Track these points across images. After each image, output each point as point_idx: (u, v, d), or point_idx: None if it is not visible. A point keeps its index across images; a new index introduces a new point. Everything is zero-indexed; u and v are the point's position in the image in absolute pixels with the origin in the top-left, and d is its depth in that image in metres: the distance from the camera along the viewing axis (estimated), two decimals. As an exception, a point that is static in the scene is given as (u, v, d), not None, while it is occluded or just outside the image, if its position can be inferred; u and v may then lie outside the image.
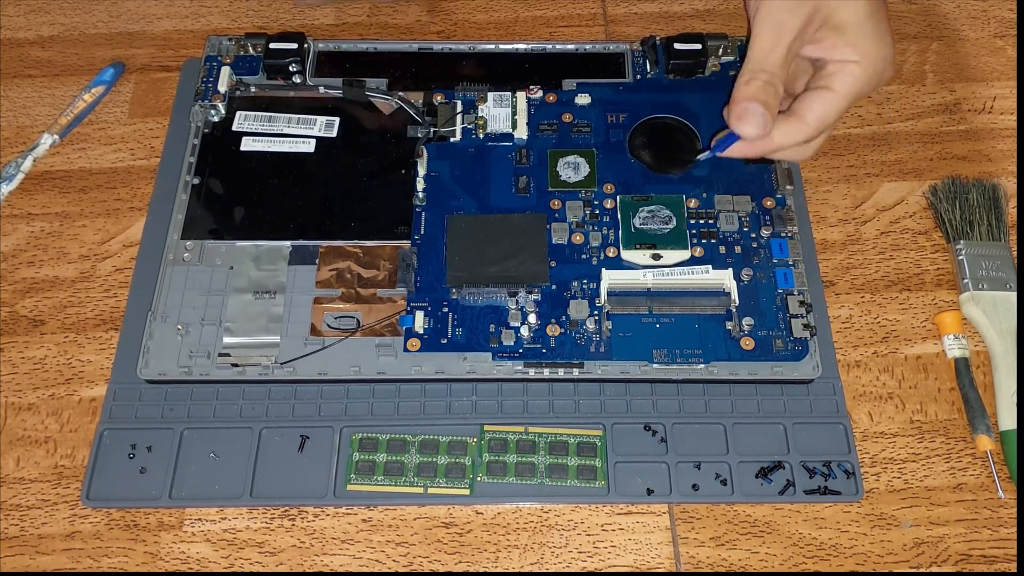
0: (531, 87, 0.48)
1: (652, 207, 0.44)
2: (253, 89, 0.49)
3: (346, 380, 0.41)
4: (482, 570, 0.38)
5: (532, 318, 0.41)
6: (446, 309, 0.42)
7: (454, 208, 0.45)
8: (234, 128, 0.47)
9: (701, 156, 0.44)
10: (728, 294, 0.42)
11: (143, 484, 0.39)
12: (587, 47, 0.50)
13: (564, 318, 0.41)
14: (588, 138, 0.47)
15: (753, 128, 0.40)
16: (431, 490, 0.39)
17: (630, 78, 0.49)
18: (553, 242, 0.43)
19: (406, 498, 0.39)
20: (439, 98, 0.48)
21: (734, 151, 0.42)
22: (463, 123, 0.47)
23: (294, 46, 0.48)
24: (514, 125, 0.47)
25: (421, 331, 0.41)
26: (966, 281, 0.43)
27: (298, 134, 0.47)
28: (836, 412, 0.41)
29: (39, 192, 0.48)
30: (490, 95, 0.48)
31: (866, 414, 0.42)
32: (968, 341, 0.43)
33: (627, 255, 0.43)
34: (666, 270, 0.42)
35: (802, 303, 0.42)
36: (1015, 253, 0.45)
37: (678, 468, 0.40)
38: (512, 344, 0.41)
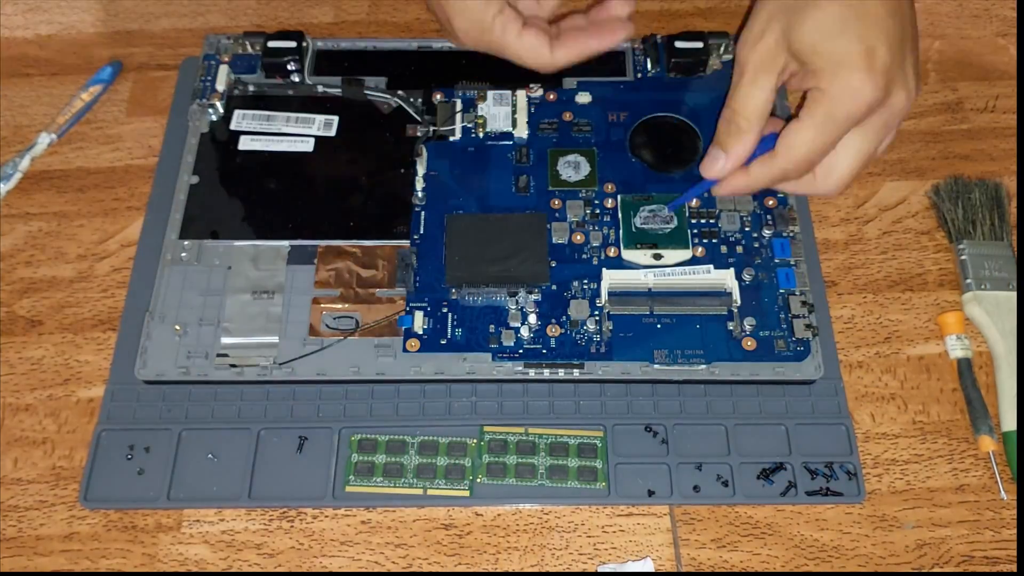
0: (531, 85, 0.48)
1: (653, 206, 0.44)
2: (251, 88, 0.48)
3: (345, 381, 0.41)
4: (482, 571, 0.38)
5: (532, 318, 0.41)
6: (445, 309, 0.42)
7: (454, 207, 0.44)
8: (232, 127, 0.47)
9: (674, 206, 0.43)
10: (729, 294, 0.42)
11: (141, 485, 0.39)
12: (587, 45, 0.50)
13: (564, 318, 0.41)
14: (589, 137, 0.47)
15: (711, 170, 0.41)
16: (430, 491, 0.39)
17: (631, 76, 0.49)
18: (553, 242, 0.43)
19: (405, 500, 0.39)
20: (438, 96, 0.48)
21: (722, 188, 0.42)
22: (463, 122, 0.47)
23: (292, 44, 0.48)
24: (514, 124, 0.47)
25: (420, 331, 0.41)
26: (968, 281, 0.43)
27: (297, 133, 0.47)
28: (838, 413, 0.41)
29: (37, 192, 0.47)
30: (490, 93, 0.48)
31: (868, 415, 0.41)
32: (971, 341, 0.42)
33: (628, 255, 0.43)
34: (667, 270, 0.42)
35: (804, 303, 0.42)
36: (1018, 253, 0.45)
37: (679, 469, 0.39)
38: (512, 344, 0.41)
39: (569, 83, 0.48)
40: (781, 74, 0.39)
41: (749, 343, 0.41)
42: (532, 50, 0.43)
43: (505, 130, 0.47)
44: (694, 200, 0.44)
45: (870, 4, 0.37)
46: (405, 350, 0.40)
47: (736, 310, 0.41)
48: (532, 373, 0.40)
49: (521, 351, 0.41)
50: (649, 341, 0.41)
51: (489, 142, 0.47)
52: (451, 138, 0.47)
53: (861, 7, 0.37)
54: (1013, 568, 0.38)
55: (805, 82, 0.38)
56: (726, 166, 0.40)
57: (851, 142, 0.39)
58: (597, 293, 0.42)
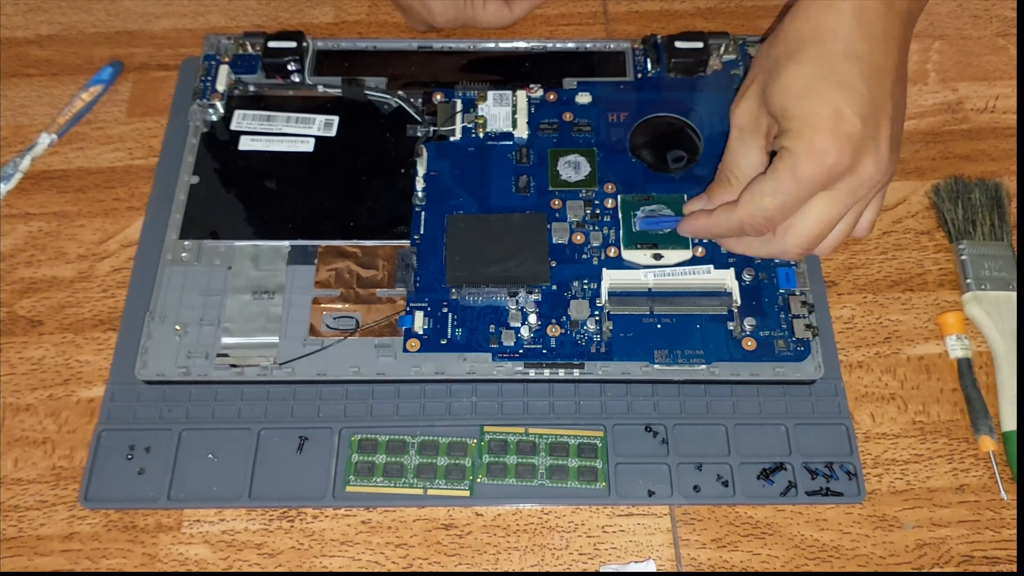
0: (531, 86, 0.48)
1: (653, 206, 0.44)
2: (252, 88, 0.48)
3: (345, 381, 0.41)
4: (482, 571, 0.38)
5: (532, 318, 0.41)
6: (446, 309, 0.42)
7: (454, 208, 0.44)
8: (232, 127, 0.47)
9: (644, 224, 0.43)
10: (730, 294, 0.42)
11: (141, 485, 0.39)
12: (588, 45, 0.50)
13: (565, 318, 0.41)
14: (589, 137, 0.47)
15: (688, 207, 0.43)
16: (431, 491, 0.39)
17: (631, 77, 0.49)
18: (553, 242, 0.43)
19: (405, 499, 0.39)
20: (439, 97, 0.48)
21: (684, 225, 0.42)
22: (463, 122, 0.47)
23: (293, 45, 0.48)
24: (514, 124, 0.47)
25: (421, 331, 0.41)
26: (968, 281, 0.43)
27: (297, 133, 0.47)
28: (838, 413, 0.41)
29: (37, 192, 0.47)
30: (490, 94, 0.48)
31: (868, 415, 0.41)
32: (971, 341, 0.42)
33: (628, 255, 0.43)
34: (667, 270, 0.42)
35: (804, 303, 0.42)
36: (1018, 253, 0.45)
37: (679, 469, 0.39)
38: (512, 344, 0.41)
39: (569, 83, 0.48)
40: (768, 135, 0.40)
41: (749, 343, 0.41)
42: (496, 15, 0.51)
43: (505, 130, 0.47)
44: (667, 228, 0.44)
45: (842, 68, 0.36)
46: (405, 350, 0.41)
47: (736, 310, 0.41)
48: (532, 373, 0.40)
49: (521, 351, 0.41)
50: (649, 341, 0.41)
51: (489, 142, 0.47)
52: (451, 138, 0.47)
53: (832, 71, 0.36)
54: (1013, 568, 0.38)
55: (780, 141, 0.37)
56: (703, 208, 0.42)
57: (815, 204, 0.37)
58: (597, 293, 0.42)
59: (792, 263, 0.43)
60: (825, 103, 0.36)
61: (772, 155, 0.38)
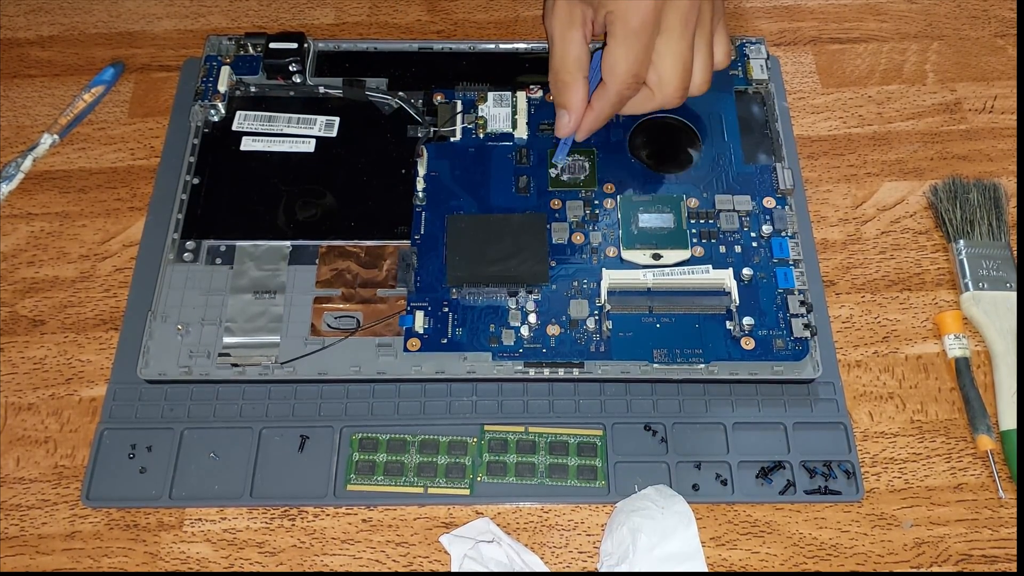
0: (531, 86, 0.48)
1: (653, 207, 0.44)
2: (253, 89, 0.49)
3: (346, 380, 0.41)
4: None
5: (532, 318, 0.41)
6: (446, 309, 0.42)
7: (454, 208, 0.44)
8: (234, 128, 0.47)
9: (558, 160, 0.46)
10: (728, 294, 0.42)
11: (143, 484, 0.39)
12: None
13: (564, 318, 0.41)
14: (588, 137, 0.47)
15: (562, 130, 0.45)
16: (431, 490, 0.39)
17: (630, 77, 0.49)
18: (553, 242, 0.43)
19: (406, 498, 0.39)
20: (439, 98, 0.48)
21: (580, 134, 0.45)
22: (463, 123, 0.47)
23: (294, 46, 0.48)
24: (514, 125, 0.47)
25: (421, 331, 0.41)
26: (966, 281, 0.43)
27: (298, 134, 0.47)
28: (836, 412, 0.41)
29: (39, 192, 0.48)
30: (490, 95, 0.48)
31: (866, 414, 0.41)
32: (969, 341, 0.43)
33: (627, 255, 0.43)
34: (666, 270, 0.42)
35: (802, 303, 0.42)
36: (1016, 253, 0.45)
37: (678, 468, 0.39)
38: (512, 344, 0.41)
39: (569, 84, 0.49)
40: (584, 25, 0.43)
41: (748, 342, 0.41)
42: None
43: (505, 131, 0.47)
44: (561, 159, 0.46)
45: None
46: (406, 349, 0.41)
47: (735, 309, 0.42)
48: (532, 372, 0.40)
49: (521, 350, 0.41)
50: (648, 340, 0.41)
51: (489, 143, 0.47)
52: (452, 139, 0.47)
53: None
54: (1012, 567, 0.38)
55: (600, 18, 0.42)
56: (572, 119, 0.44)
57: (663, 47, 0.42)
58: (597, 293, 0.42)
59: (790, 262, 0.43)
60: None
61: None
